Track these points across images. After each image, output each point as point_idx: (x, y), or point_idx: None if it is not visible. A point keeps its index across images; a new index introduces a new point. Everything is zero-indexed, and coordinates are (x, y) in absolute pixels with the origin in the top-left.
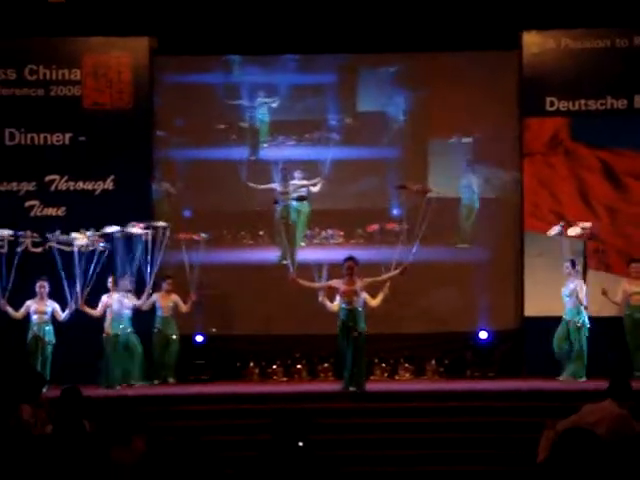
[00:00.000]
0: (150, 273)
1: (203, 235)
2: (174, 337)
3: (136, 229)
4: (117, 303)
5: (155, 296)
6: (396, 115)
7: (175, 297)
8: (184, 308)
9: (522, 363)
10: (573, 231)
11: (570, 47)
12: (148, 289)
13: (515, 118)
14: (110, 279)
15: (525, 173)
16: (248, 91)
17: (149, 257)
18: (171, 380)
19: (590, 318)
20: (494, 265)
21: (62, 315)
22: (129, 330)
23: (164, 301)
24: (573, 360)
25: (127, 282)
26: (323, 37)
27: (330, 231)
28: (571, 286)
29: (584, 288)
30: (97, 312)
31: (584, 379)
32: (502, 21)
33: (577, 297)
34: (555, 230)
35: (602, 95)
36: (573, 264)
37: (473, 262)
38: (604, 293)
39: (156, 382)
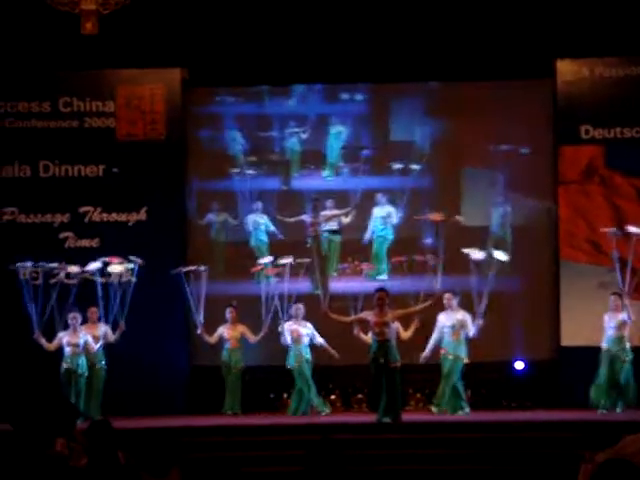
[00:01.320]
0: (197, 308)
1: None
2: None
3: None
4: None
5: (221, 328)
6: (428, 144)
7: (242, 327)
8: (253, 339)
9: (559, 393)
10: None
11: (604, 75)
12: (121, 325)
13: (550, 146)
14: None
15: (560, 202)
16: (279, 121)
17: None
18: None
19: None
20: (530, 294)
21: (95, 347)
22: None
23: (232, 332)
24: (451, 395)
25: (301, 308)
26: (354, 66)
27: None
28: (457, 317)
29: (469, 319)
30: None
31: (465, 413)
32: (536, 49)
33: (463, 329)
34: (477, 254)
35: (637, 123)
36: (454, 294)
37: (508, 291)
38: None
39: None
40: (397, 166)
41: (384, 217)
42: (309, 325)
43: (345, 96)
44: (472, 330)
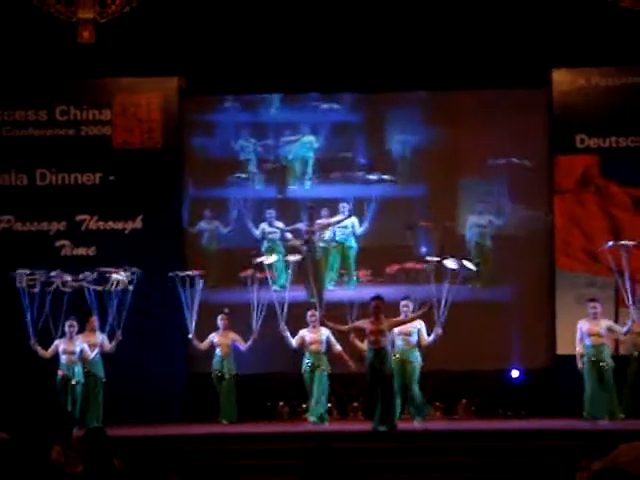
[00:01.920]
0: (190, 315)
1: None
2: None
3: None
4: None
5: (212, 335)
6: (424, 153)
7: (234, 335)
8: (244, 346)
9: (555, 402)
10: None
11: (600, 84)
12: (118, 335)
13: (545, 155)
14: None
15: (556, 211)
16: (275, 130)
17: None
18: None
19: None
20: (526, 303)
21: (91, 355)
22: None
23: (223, 339)
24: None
25: (316, 315)
26: (348, 75)
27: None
28: (413, 324)
29: (424, 327)
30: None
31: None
32: (532, 59)
33: (418, 336)
34: (451, 264)
35: (632, 132)
36: (411, 301)
37: (504, 300)
38: None
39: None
40: (373, 177)
41: (344, 227)
42: (324, 331)
43: (341, 105)
44: (428, 338)
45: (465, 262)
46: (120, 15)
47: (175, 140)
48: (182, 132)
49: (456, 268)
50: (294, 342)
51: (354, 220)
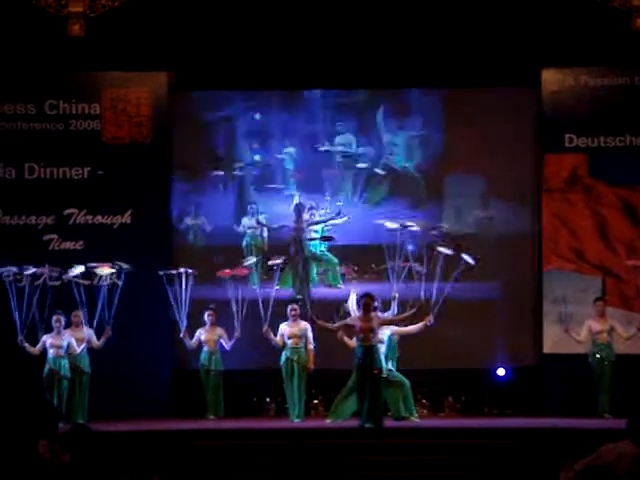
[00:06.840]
0: (179, 312)
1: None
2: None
3: (101, 270)
4: None
5: (199, 331)
6: (412, 150)
7: (220, 331)
8: (228, 345)
9: (540, 400)
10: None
11: (589, 84)
12: (107, 330)
13: (534, 155)
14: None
15: (544, 210)
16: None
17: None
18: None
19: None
20: (512, 301)
21: (77, 350)
22: None
23: (209, 335)
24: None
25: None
26: (347, 72)
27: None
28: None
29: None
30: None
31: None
32: (521, 58)
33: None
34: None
35: (621, 132)
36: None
37: (491, 298)
38: (566, 331)
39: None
40: (362, 165)
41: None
42: (303, 325)
43: (334, 102)
44: (413, 327)
45: (465, 256)
46: (110, 9)
47: (164, 135)
48: (171, 127)
49: (468, 260)
50: (278, 338)
51: (346, 219)
